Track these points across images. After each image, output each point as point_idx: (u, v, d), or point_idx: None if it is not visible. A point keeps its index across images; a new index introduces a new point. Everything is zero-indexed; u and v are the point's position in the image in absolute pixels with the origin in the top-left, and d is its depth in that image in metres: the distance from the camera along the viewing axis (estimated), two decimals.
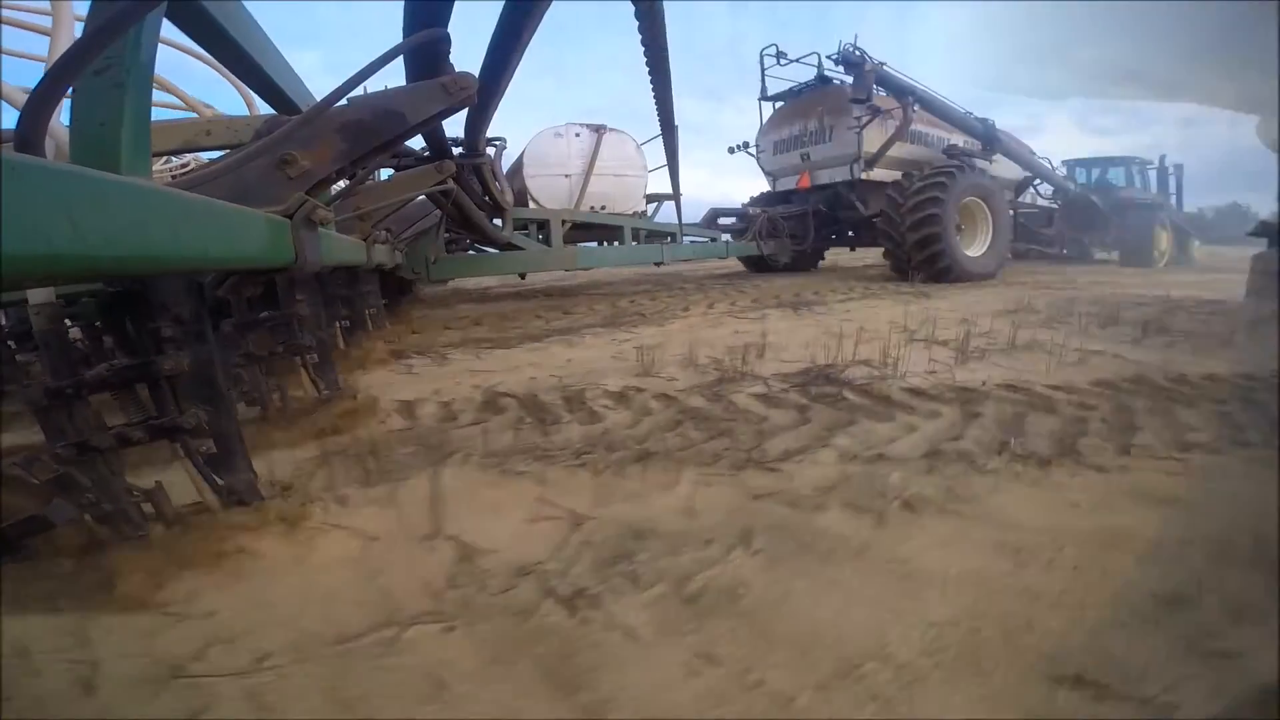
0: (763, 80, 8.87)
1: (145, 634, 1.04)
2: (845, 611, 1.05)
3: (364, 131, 1.31)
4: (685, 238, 8.10)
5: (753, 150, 9.57)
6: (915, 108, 7.74)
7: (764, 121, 9.34)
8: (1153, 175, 12.22)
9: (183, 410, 1.28)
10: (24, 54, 4.35)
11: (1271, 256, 2.56)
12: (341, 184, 2.57)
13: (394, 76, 1.80)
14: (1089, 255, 11.33)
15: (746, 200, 9.92)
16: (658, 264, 7.98)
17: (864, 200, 8.24)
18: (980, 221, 7.73)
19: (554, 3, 1.90)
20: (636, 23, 2.39)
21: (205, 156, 3.37)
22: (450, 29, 1.64)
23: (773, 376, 2.64)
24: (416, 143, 3.71)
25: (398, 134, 1.38)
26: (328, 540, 1.34)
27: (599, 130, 7.69)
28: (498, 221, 6.09)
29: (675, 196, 7.12)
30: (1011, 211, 8.58)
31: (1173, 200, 12.42)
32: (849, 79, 7.72)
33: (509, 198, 6.21)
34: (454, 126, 3.65)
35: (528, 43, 2.07)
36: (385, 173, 4.05)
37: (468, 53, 1.88)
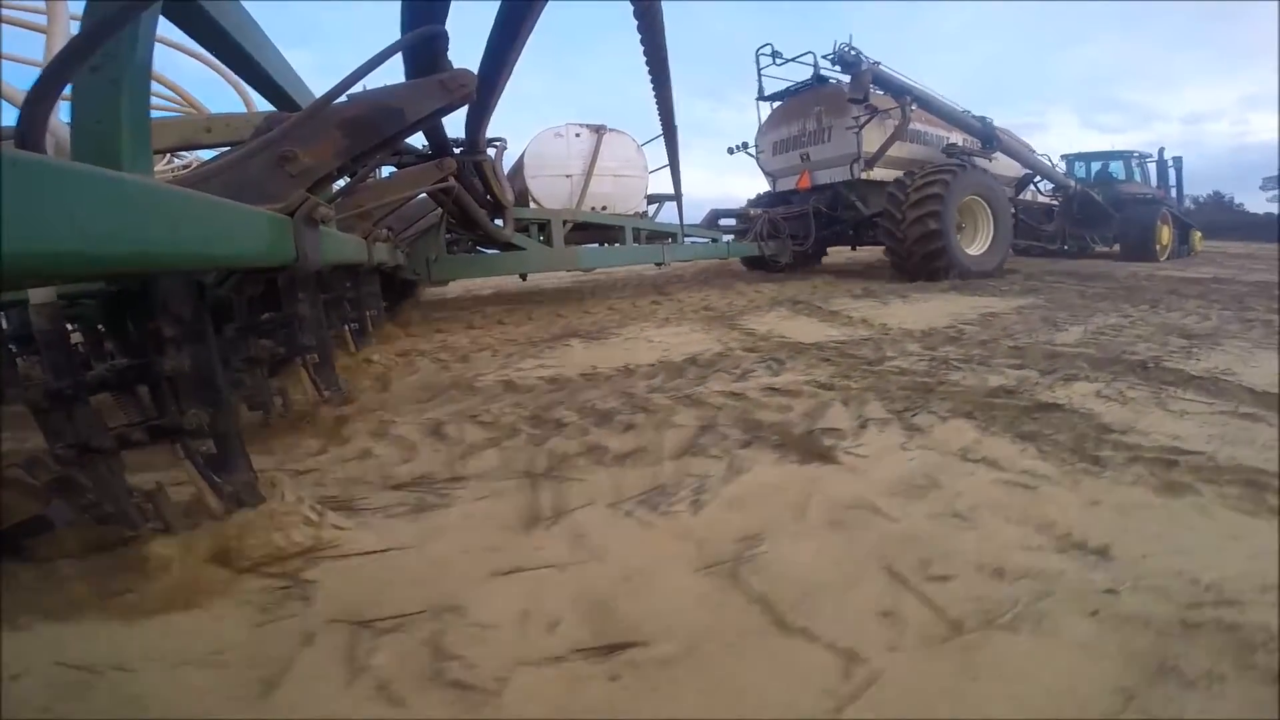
0: (759, 80, 8.84)
1: None
2: None
3: (364, 128, 1.30)
4: (686, 238, 8.07)
5: (752, 151, 9.54)
6: (913, 107, 7.71)
7: (762, 122, 9.32)
8: (1152, 169, 12.23)
9: (183, 411, 1.27)
10: (21, 58, 4.33)
11: None
12: (342, 182, 2.56)
13: (393, 75, 1.80)
14: (1090, 250, 11.32)
15: (747, 200, 9.90)
16: (659, 264, 7.96)
17: (864, 200, 8.21)
18: (981, 220, 7.71)
19: (552, 1, 1.89)
20: (636, 22, 2.38)
21: (204, 155, 3.36)
22: (448, 27, 1.63)
23: None
24: (418, 141, 3.70)
25: (398, 130, 1.38)
26: None
27: (599, 130, 7.64)
28: (499, 221, 6.07)
29: (677, 197, 7.09)
30: (1012, 208, 8.56)
31: (1172, 193, 12.43)
32: (846, 79, 7.70)
33: (510, 197, 6.19)
34: (455, 127, 3.64)
35: (526, 40, 2.06)
36: (385, 172, 4.05)
37: (467, 51, 1.87)
